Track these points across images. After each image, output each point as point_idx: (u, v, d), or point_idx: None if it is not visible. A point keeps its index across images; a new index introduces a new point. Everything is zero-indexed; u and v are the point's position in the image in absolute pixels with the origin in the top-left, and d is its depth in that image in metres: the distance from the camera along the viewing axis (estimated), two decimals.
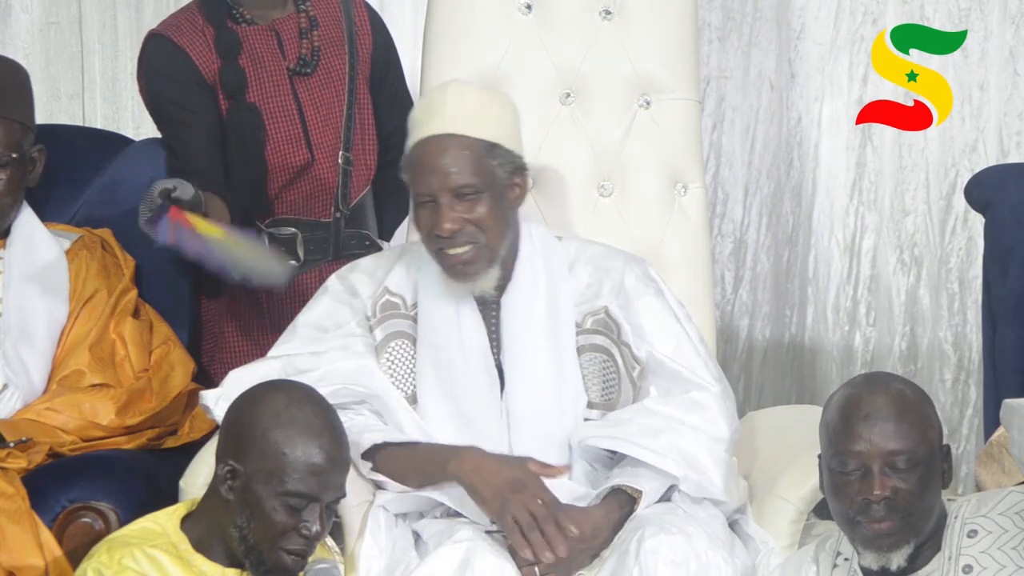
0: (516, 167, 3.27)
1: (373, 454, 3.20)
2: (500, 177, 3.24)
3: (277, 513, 2.85)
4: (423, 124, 3.23)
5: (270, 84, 3.78)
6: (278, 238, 3.79)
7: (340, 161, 3.82)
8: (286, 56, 3.81)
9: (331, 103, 3.82)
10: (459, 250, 3.21)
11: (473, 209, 3.20)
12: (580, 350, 3.30)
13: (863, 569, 2.94)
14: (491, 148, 3.23)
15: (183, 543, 2.91)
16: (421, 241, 3.26)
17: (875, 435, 2.87)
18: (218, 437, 2.98)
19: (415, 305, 3.33)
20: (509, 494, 3.10)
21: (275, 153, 3.77)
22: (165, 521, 2.94)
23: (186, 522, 2.95)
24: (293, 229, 3.80)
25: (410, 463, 3.21)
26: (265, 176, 3.76)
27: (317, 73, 3.82)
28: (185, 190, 3.39)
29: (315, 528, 2.86)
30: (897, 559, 2.89)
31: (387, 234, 4.02)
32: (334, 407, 2.99)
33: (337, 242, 3.83)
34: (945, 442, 2.96)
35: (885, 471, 2.86)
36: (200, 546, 2.91)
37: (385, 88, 3.93)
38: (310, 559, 2.91)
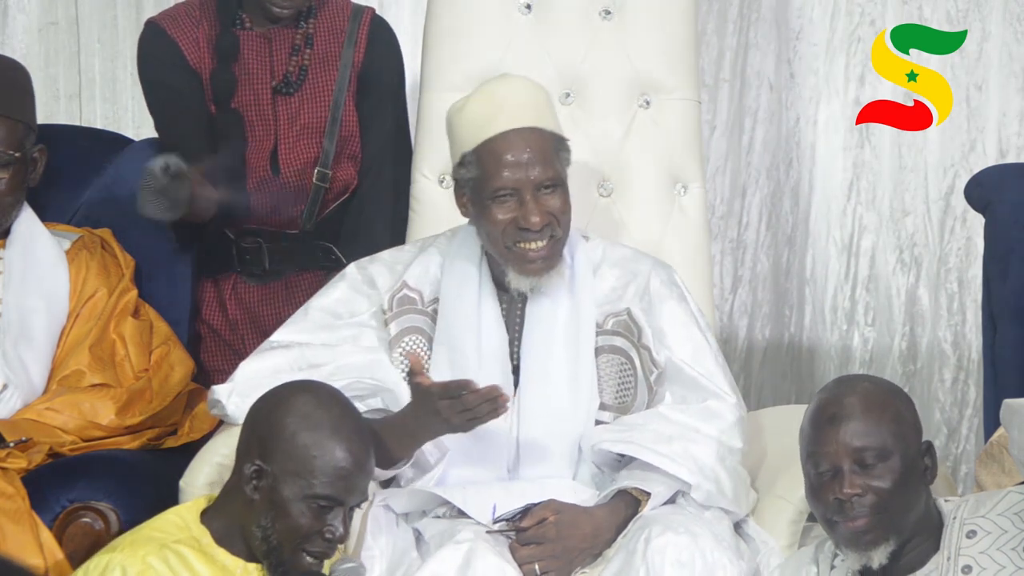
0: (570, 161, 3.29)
1: None
2: (566, 170, 3.25)
3: (303, 515, 2.85)
4: (492, 119, 3.21)
5: (251, 94, 3.77)
6: (244, 247, 3.78)
7: (315, 177, 3.79)
8: (274, 72, 3.79)
9: (311, 120, 3.79)
10: (539, 244, 3.20)
11: (550, 203, 3.20)
12: (598, 351, 3.30)
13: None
14: (560, 142, 3.26)
15: (205, 536, 2.90)
16: (491, 237, 3.22)
17: (841, 434, 2.89)
18: (240, 436, 2.96)
19: (433, 301, 3.32)
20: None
21: (250, 161, 3.76)
22: (186, 514, 2.94)
23: (205, 516, 2.94)
24: (258, 239, 3.79)
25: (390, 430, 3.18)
26: (244, 181, 3.75)
27: (301, 91, 3.79)
28: (174, 160, 3.37)
29: (339, 531, 2.87)
30: (878, 556, 2.89)
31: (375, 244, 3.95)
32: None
33: (303, 254, 3.81)
34: (926, 438, 2.96)
35: (855, 469, 2.88)
36: (221, 540, 2.90)
37: (367, 103, 3.82)
38: (335, 559, 2.92)
